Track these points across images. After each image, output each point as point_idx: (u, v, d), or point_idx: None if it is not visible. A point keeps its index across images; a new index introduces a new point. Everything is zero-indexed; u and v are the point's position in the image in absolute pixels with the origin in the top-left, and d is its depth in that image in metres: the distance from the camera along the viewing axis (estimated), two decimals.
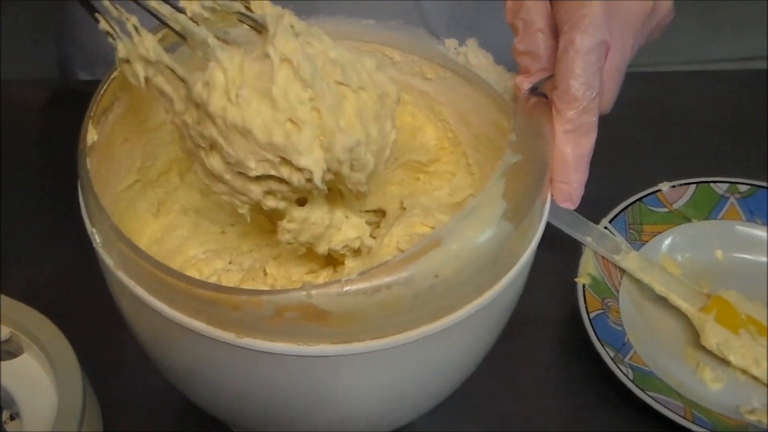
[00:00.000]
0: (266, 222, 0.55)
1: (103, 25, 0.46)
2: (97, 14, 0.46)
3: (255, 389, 0.44)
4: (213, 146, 0.43)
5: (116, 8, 0.46)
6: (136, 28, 0.46)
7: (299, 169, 0.42)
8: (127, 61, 0.46)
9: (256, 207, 0.46)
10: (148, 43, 0.45)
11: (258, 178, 0.44)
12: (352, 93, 0.43)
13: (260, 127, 0.41)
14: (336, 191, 0.48)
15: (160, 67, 0.46)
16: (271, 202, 0.45)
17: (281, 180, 0.43)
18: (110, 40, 0.46)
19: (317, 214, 0.47)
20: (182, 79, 0.45)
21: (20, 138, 0.77)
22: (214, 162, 0.44)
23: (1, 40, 1.34)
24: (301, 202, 0.47)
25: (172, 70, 0.45)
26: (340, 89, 0.43)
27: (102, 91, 0.49)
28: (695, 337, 0.62)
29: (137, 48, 0.46)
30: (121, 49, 0.46)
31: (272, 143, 0.42)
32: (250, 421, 0.50)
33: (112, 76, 0.50)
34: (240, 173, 0.44)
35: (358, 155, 0.43)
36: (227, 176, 0.44)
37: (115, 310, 0.48)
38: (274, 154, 0.42)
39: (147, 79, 0.46)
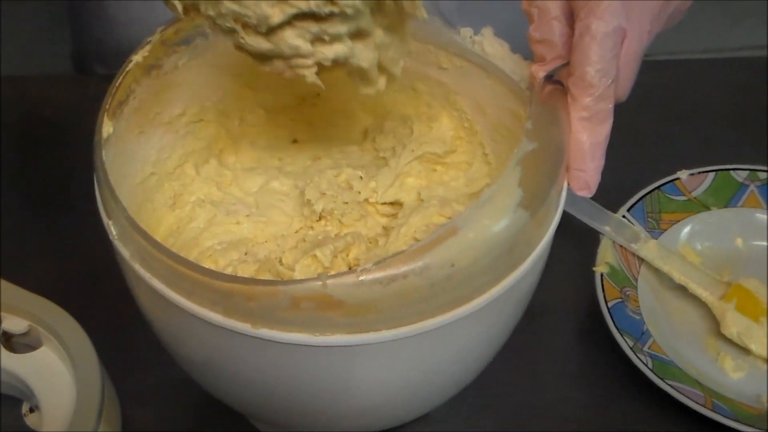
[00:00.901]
0: (280, 213, 0.55)
1: None
2: None
3: (271, 380, 0.44)
4: (237, 19, 0.43)
5: None
6: None
7: None
8: None
9: (325, 72, 0.45)
10: None
11: (291, 26, 0.43)
12: None
13: None
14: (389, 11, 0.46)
15: None
16: (327, 51, 0.44)
17: (312, 16, 0.42)
18: None
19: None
20: None
21: (37, 132, 0.77)
22: (250, 39, 0.43)
23: (16, 36, 1.35)
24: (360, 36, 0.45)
25: None
26: None
27: (117, 84, 0.49)
28: (715, 326, 0.62)
29: None
30: None
31: None
32: (267, 412, 0.50)
33: (127, 69, 0.50)
34: (273, 32, 0.43)
35: None
36: (268, 45, 0.43)
37: (132, 303, 0.48)
38: None
39: (185, 7, 0.45)
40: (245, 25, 0.43)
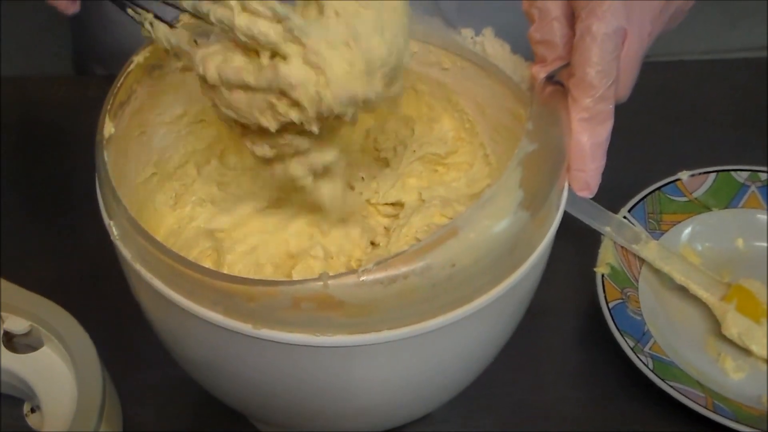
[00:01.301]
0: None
1: (145, 33, 0.48)
2: (143, 29, 0.48)
3: (272, 380, 0.44)
4: (237, 122, 0.45)
5: (136, 12, 0.48)
6: (151, 24, 0.47)
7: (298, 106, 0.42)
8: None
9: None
10: (160, 33, 0.47)
11: (286, 134, 0.44)
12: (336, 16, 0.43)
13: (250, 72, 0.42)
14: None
15: (177, 51, 0.47)
16: (318, 159, 0.47)
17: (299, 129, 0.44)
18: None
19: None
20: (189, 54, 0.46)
21: (37, 132, 0.77)
22: (257, 146, 0.46)
23: (16, 36, 1.35)
24: None
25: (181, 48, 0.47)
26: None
27: (119, 84, 0.49)
28: (716, 326, 0.62)
29: (156, 42, 0.47)
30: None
31: (265, 78, 0.42)
32: (267, 412, 0.50)
33: (129, 70, 0.50)
34: (269, 136, 0.44)
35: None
36: (272, 152, 0.46)
37: (133, 303, 0.48)
38: (272, 92, 0.42)
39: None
40: (250, 130, 0.45)
